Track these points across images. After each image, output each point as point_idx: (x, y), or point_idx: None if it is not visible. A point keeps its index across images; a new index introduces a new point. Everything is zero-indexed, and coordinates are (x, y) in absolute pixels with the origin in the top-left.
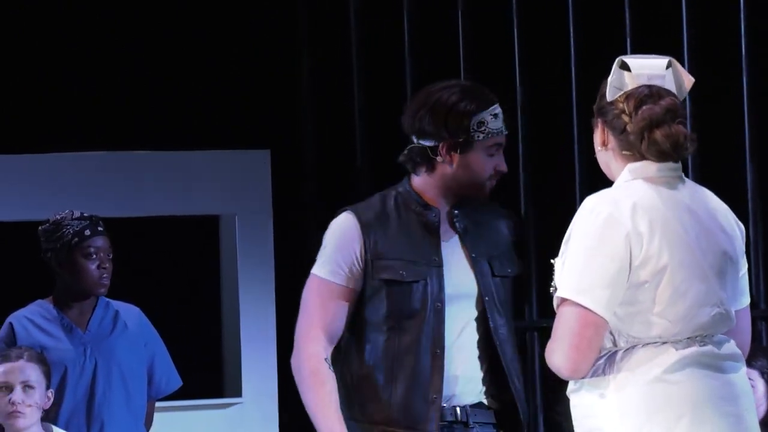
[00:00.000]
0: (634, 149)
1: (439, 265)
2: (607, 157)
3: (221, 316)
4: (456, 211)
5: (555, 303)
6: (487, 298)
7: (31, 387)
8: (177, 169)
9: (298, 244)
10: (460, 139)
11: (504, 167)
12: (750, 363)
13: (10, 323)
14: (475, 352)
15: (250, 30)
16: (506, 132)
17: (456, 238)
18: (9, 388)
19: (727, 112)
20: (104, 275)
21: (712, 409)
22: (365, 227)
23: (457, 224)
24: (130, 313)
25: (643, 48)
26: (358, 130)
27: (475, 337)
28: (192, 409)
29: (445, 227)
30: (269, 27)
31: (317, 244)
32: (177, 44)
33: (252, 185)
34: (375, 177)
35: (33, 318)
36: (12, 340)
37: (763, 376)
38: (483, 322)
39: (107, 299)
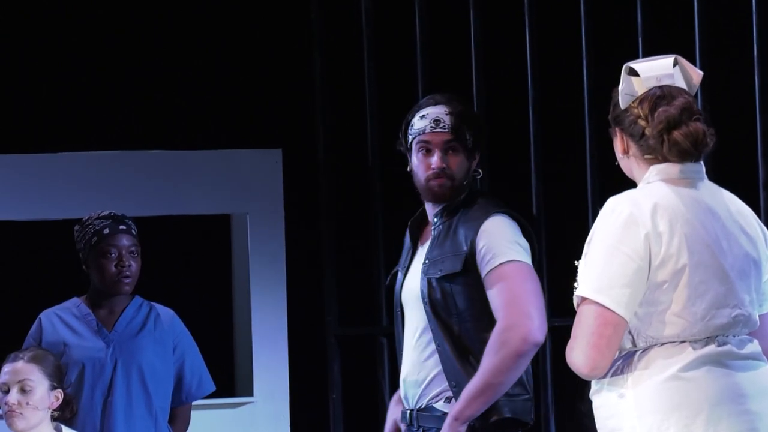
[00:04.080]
0: (656, 152)
1: (404, 272)
2: (629, 163)
3: (233, 315)
4: (435, 219)
5: (575, 302)
6: (425, 300)
7: (29, 388)
8: (189, 168)
9: (309, 243)
10: (406, 146)
11: (435, 163)
12: None
13: (40, 319)
14: (422, 356)
15: (263, 30)
16: (437, 130)
17: (427, 244)
18: (6, 390)
19: (738, 108)
20: (124, 274)
21: (729, 407)
22: None
23: (433, 230)
24: (163, 314)
25: (655, 47)
26: (369, 130)
27: (423, 340)
28: (204, 408)
29: (427, 233)
30: (282, 26)
31: (329, 243)
32: (190, 44)
33: (264, 184)
34: (387, 176)
35: (62, 315)
36: (39, 335)
37: None
38: (426, 325)
39: (142, 299)
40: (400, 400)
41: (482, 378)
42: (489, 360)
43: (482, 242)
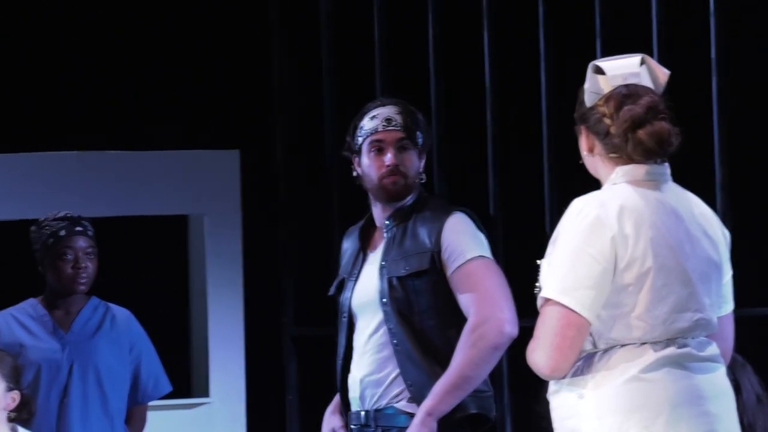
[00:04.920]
0: (621, 151)
1: (354, 279)
2: (594, 162)
3: (189, 316)
4: (387, 222)
5: (539, 303)
6: (384, 301)
7: None
8: (145, 168)
9: (267, 244)
10: (354, 150)
11: (389, 160)
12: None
13: None
14: (379, 357)
15: (221, 29)
16: (390, 128)
17: (380, 248)
18: None
19: (696, 110)
20: (80, 275)
21: (689, 408)
22: None
23: (385, 234)
24: (119, 315)
25: (613, 49)
26: (327, 130)
27: (379, 341)
28: (159, 409)
29: (377, 238)
30: (240, 26)
31: (286, 244)
32: (145, 44)
33: (221, 185)
34: (344, 177)
35: (18, 316)
36: None
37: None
38: (383, 326)
39: (99, 300)
40: (336, 410)
41: (458, 372)
42: (464, 354)
43: (448, 239)
